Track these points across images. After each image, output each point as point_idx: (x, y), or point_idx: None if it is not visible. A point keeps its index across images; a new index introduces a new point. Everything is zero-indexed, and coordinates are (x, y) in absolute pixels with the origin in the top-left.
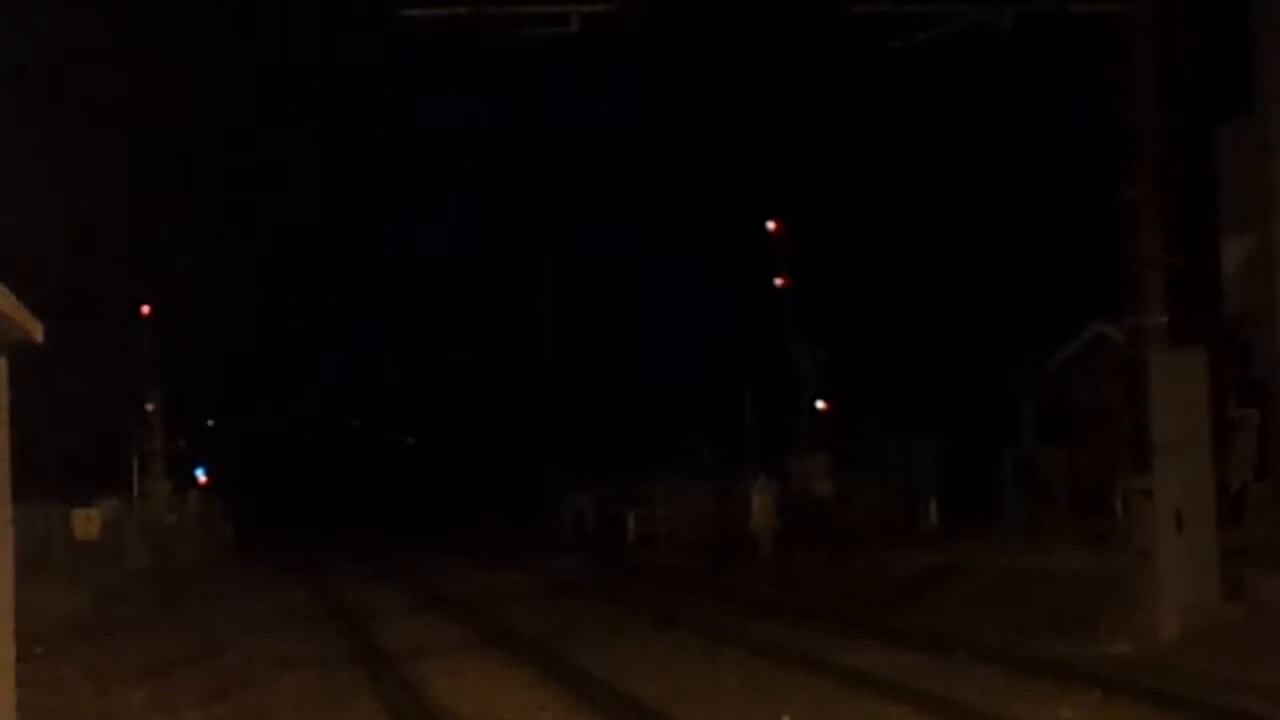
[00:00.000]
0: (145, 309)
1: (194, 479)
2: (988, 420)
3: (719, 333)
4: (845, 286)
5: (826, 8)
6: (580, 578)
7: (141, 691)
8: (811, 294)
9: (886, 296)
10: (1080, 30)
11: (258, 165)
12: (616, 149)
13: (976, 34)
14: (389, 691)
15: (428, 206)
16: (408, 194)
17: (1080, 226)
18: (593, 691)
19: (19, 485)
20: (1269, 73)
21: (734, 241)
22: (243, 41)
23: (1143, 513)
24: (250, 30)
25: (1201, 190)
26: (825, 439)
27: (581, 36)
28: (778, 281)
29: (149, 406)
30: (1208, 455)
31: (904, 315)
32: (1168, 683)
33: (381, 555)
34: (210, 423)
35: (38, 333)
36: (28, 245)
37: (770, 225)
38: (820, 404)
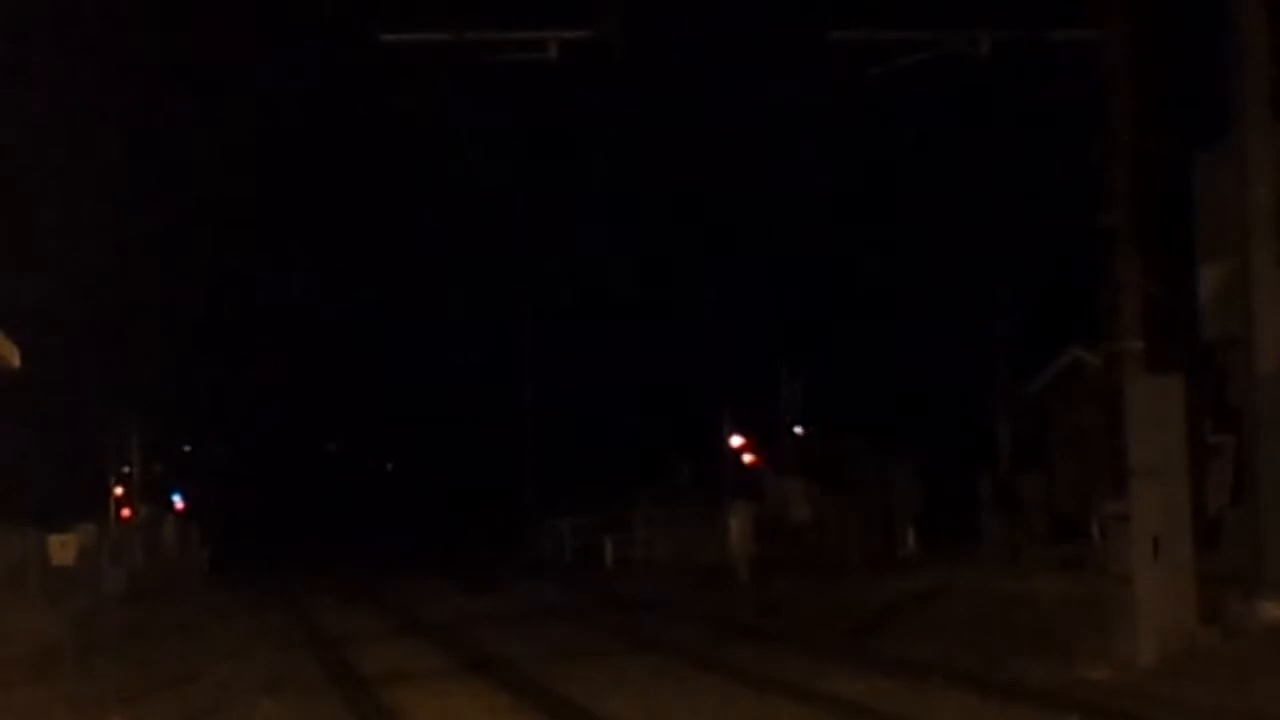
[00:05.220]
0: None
1: (170, 504)
2: (966, 445)
3: (698, 355)
4: (823, 312)
5: (803, 35)
6: (558, 603)
7: (117, 717)
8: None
9: (864, 320)
10: (1057, 56)
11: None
12: (589, 168)
13: (954, 61)
14: (367, 717)
15: (405, 229)
16: (385, 218)
17: (1058, 252)
18: (571, 717)
19: None
20: (1247, 98)
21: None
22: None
23: (1120, 537)
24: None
25: (1179, 216)
26: (803, 463)
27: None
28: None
29: (124, 433)
30: (1185, 480)
31: (882, 339)
32: (1146, 708)
33: (359, 579)
34: (187, 448)
35: (15, 358)
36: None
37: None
38: (798, 428)
